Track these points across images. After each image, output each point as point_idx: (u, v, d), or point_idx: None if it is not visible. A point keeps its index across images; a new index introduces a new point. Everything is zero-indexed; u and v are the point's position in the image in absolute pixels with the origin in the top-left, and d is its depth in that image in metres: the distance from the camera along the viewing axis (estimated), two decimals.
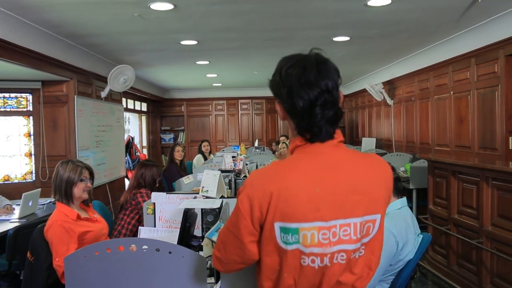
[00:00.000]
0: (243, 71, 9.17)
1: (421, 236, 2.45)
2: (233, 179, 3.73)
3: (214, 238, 1.96)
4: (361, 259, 1.47)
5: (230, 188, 3.56)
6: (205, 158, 8.27)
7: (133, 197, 4.09)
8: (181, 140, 12.81)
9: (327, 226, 1.39)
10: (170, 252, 1.77)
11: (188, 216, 2.48)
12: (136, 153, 9.29)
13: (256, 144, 10.74)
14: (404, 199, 2.58)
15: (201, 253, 2.45)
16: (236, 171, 4.17)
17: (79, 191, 2.94)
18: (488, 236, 4.09)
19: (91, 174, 3.06)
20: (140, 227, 3.16)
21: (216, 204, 2.56)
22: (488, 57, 5.45)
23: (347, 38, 5.93)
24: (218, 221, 2.16)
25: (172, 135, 12.99)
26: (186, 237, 2.56)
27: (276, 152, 9.55)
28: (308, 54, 1.48)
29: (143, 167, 4.30)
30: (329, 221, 1.39)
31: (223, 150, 9.53)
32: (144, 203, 3.20)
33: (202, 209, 2.56)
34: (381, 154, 8.47)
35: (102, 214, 4.26)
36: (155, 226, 3.17)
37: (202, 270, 1.79)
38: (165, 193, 3.14)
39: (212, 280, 2.10)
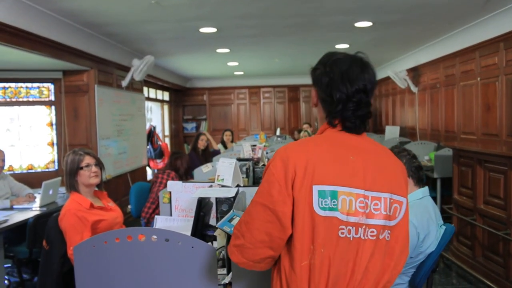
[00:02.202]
0: (264, 59, 9.07)
1: (443, 227, 2.35)
2: (251, 168, 3.67)
3: (226, 228, 1.90)
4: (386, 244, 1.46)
5: (247, 176, 3.49)
6: (226, 148, 8.23)
7: (166, 176, 4.63)
8: (203, 129, 12.80)
9: (363, 194, 1.41)
10: (179, 242, 1.73)
11: (202, 205, 2.43)
12: (158, 142, 9.30)
13: (278, 132, 10.66)
14: (426, 188, 2.47)
15: (215, 243, 2.40)
16: (255, 159, 4.11)
17: (85, 179, 2.90)
18: None
19: (96, 159, 2.99)
20: (156, 216, 3.13)
21: (231, 193, 2.50)
22: None
23: (369, 24, 5.77)
24: (232, 211, 2.10)
25: (194, 124, 12.98)
26: (201, 227, 2.51)
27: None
28: (354, 54, 1.56)
29: (178, 158, 4.86)
30: (365, 190, 1.41)
31: (244, 139, 9.49)
32: (160, 192, 3.17)
33: (216, 198, 2.50)
34: (405, 143, 8.29)
35: (137, 196, 4.87)
36: (171, 215, 3.15)
37: (212, 261, 1.74)
38: (181, 182, 3.10)
39: (223, 271, 2.05)
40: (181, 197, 3.10)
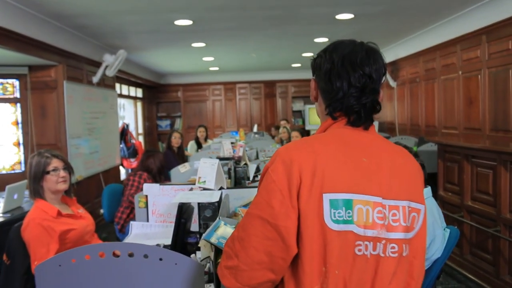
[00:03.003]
0: (241, 54, 8.83)
1: (448, 230, 2.16)
2: (232, 167, 3.44)
3: (213, 240, 1.68)
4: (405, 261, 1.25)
5: (229, 177, 3.27)
6: (200, 144, 7.96)
7: (138, 178, 4.29)
8: (178, 127, 12.50)
9: (381, 203, 1.20)
10: (161, 259, 1.49)
11: (183, 211, 2.20)
12: (131, 141, 8.98)
13: (255, 129, 10.43)
14: (429, 189, 2.29)
15: (198, 253, 2.16)
16: (236, 158, 3.89)
17: (51, 184, 2.57)
18: (507, 224, 3.83)
19: (65, 162, 2.66)
20: (131, 222, 2.89)
21: (214, 197, 2.27)
22: (501, 34, 5.13)
23: (351, 16, 5.60)
24: (218, 218, 1.88)
25: (168, 122, 12.67)
26: (182, 234, 2.28)
27: (276, 137, 9.28)
28: (361, 41, 1.37)
29: (150, 156, 4.50)
30: (382, 197, 1.20)
31: (221, 136, 9.24)
32: (136, 196, 2.92)
33: (199, 204, 2.27)
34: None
35: (110, 199, 4.50)
36: (148, 221, 2.90)
37: (199, 279, 1.51)
38: (158, 185, 2.85)
39: (211, 286, 1.82)
40: (159, 201, 2.85)
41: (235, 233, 1.24)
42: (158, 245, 2.60)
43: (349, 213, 1.16)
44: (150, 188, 2.84)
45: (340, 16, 5.60)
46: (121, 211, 4.26)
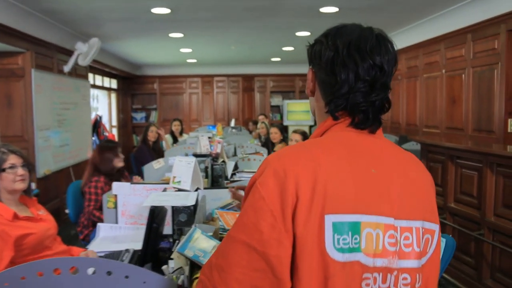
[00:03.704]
0: (220, 46, 8.58)
1: (443, 240, 1.99)
2: (209, 165, 3.23)
3: (189, 253, 1.47)
4: None
5: (206, 176, 3.06)
6: (175, 138, 7.70)
7: (94, 190, 3.66)
8: (153, 119, 12.19)
9: (393, 225, 0.99)
10: (126, 277, 1.27)
11: (155, 215, 1.99)
12: (104, 133, 8.68)
13: (232, 124, 10.23)
14: None
15: (171, 262, 1.95)
16: (213, 155, 3.68)
17: (8, 183, 2.29)
18: (491, 227, 3.72)
19: (24, 159, 2.39)
20: (98, 224, 2.66)
21: (190, 199, 2.06)
22: (487, 32, 5.04)
23: (335, 9, 5.42)
24: (193, 226, 1.67)
25: (144, 114, 12.34)
26: (154, 240, 2.07)
27: (253, 132, 9.09)
28: (369, 26, 1.16)
29: (98, 152, 3.87)
30: (395, 218, 1.00)
31: (197, 130, 9.01)
32: (104, 195, 2.68)
33: (173, 207, 2.06)
34: None
35: (75, 197, 3.91)
36: (117, 222, 2.67)
37: None
38: (129, 184, 2.63)
39: None
40: (129, 201, 2.63)
41: (213, 259, 1.00)
42: (127, 250, 2.38)
43: (356, 238, 0.94)
44: (120, 188, 2.61)
45: (324, 9, 5.42)
46: (83, 221, 3.69)
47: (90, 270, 1.28)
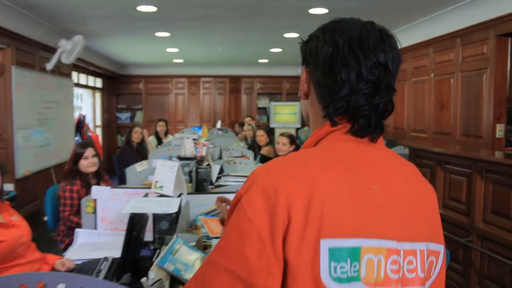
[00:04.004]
0: (207, 46, 8.47)
1: None
2: (194, 169, 3.12)
3: (169, 267, 1.37)
4: None
5: (190, 180, 2.95)
6: (160, 139, 7.55)
7: (69, 194, 3.43)
8: (138, 120, 12.03)
9: (396, 249, 0.89)
10: None
11: (135, 222, 1.88)
12: (88, 133, 8.51)
13: (218, 125, 10.11)
14: None
15: (151, 273, 1.84)
16: (198, 158, 3.57)
17: None
18: (480, 234, 3.67)
19: None
20: (76, 230, 2.53)
21: (172, 206, 1.96)
22: (476, 37, 5.00)
23: (325, 11, 5.35)
24: (175, 236, 1.57)
25: (129, 114, 12.17)
26: (133, 248, 1.96)
27: (239, 134, 9.00)
28: (370, 20, 1.03)
29: (80, 153, 3.57)
30: (398, 240, 0.89)
31: (182, 131, 8.88)
32: (83, 200, 2.56)
33: (154, 214, 1.95)
34: None
35: (54, 203, 3.61)
36: (96, 228, 2.55)
37: None
38: (109, 188, 2.51)
39: None
40: (109, 206, 2.51)
41: (192, 285, 0.89)
42: (106, 258, 2.27)
43: (355, 266, 0.84)
44: (99, 192, 2.49)
45: (313, 11, 5.35)
46: (63, 229, 3.42)
47: (61, 287, 1.17)
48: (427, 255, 0.93)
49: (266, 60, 10.69)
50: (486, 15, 4.76)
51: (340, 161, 0.91)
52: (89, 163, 3.49)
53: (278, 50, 8.80)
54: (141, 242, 2.17)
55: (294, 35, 6.94)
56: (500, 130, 4.84)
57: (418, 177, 1.02)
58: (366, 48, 0.94)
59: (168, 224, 1.94)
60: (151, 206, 1.94)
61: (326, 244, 0.82)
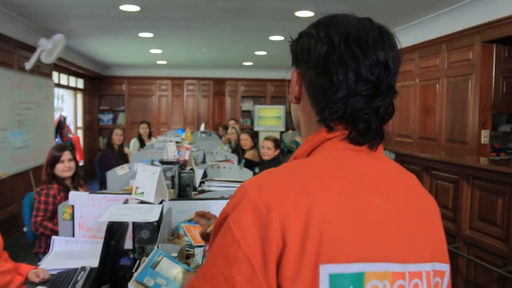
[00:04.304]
0: (191, 48, 8.37)
1: None
2: (176, 174, 3.02)
3: (149, 282, 1.28)
4: None
5: (173, 186, 2.84)
6: (143, 142, 7.42)
7: (45, 198, 3.27)
8: (121, 122, 11.85)
9: (402, 272, 0.80)
10: None
11: (113, 231, 1.77)
12: (68, 135, 8.34)
13: (202, 128, 9.99)
14: None
15: (130, 285, 1.75)
16: (181, 162, 3.47)
17: None
18: (466, 241, 3.64)
19: None
20: (53, 237, 2.42)
21: (153, 214, 1.86)
22: (462, 43, 5.00)
23: (311, 14, 5.30)
24: (155, 248, 1.48)
25: (111, 116, 11.99)
26: (112, 258, 1.85)
27: (223, 137, 8.90)
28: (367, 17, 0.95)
29: (57, 157, 3.41)
30: (403, 262, 0.81)
31: (166, 134, 8.75)
32: (60, 205, 2.45)
33: (134, 223, 1.85)
34: None
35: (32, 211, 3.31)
36: (73, 236, 2.44)
37: None
38: (87, 193, 2.40)
39: None
40: (88, 213, 2.40)
41: None
42: (83, 268, 2.16)
43: None
44: (77, 197, 2.38)
45: (299, 13, 5.29)
46: (44, 239, 3.20)
47: None
48: (433, 276, 0.85)
49: (250, 63, 10.63)
50: (472, 21, 4.76)
51: (339, 174, 0.82)
52: (65, 167, 3.36)
53: (263, 53, 8.73)
54: (121, 251, 2.06)
55: (280, 38, 6.88)
56: (485, 136, 4.84)
57: (420, 189, 0.93)
58: (365, 46, 0.85)
59: (149, 233, 1.84)
60: (131, 214, 1.84)
61: (326, 270, 0.73)
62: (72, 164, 3.42)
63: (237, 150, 6.71)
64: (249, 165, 5.18)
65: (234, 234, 0.74)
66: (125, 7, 5.14)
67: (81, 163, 9.69)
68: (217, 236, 0.78)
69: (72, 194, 2.40)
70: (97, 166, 6.20)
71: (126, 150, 6.59)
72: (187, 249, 2.09)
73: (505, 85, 4.82)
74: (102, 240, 1.84)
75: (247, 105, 12.39)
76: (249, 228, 0.73)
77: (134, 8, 5.16)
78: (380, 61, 0.85)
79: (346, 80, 0.84)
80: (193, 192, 2.88)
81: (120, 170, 3.71)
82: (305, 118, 0.95)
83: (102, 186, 5.81)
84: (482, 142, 4.81)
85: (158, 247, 1.51)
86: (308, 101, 0.92)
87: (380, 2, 4.87)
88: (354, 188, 0.81)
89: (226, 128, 9.64)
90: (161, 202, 2.08)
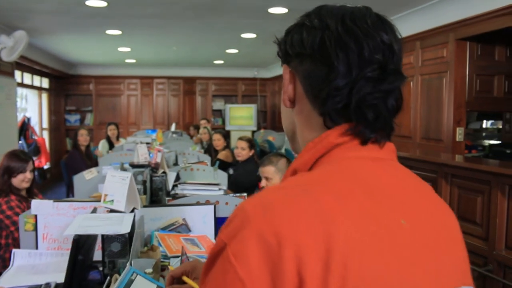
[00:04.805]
0: (161, 46, 8.15)
1: None
2: (148, 178, 2.86)
3: None
4: None
5: (144, 191, 2.68)
6: (111, 144, 7.18)
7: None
8: (88, 122, 11.52)
9: None
10: None
11: (79, 245, 1.61)
12: (33, 137, 8.02)
13: (173, 128, 9.78)
14: None
15: None
16: (153, 165, 3.30)
17: None
18: None
19: None
20: (14, 250, 2.22)
21: (124, 225, 1.70)
22: (436, 41, 4.98)
23: (285, 10, 5.18)
24: (128, 266, 1.32)
25: (78, 116, 11.64)
26: (79, 273, 1.69)
27: (194, 137, 8.73)
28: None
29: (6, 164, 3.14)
30: None
31: (135, 135, 8.51)
32: (21, 216, 2.26)
33: (103, 236, 1.69)
34: None
35: None
36: (37, 248, 2.25)
37: None
38: (51, 202, 2.22)
39: None
40: (52, 223, 2.22)
41: None
42: (47, 284, 1.98)
43: None
44: (40, 206, 2.20)
45: (273, 10, 5.16)
46: (7, 257, 2.83)
47: None
48: None
49: (221, 61, 10.47)
50: (446, 19, 4.74)
51: (358, 189, 0.69)
52: (26, 177, 3.13)
53: (235, 51, 8.59)
54: (89, 265, 1.90)
55: (252, 35, 6.74)
56: (460, 133, 4.83)
57: (439, 202, 0.81)
58: (365, 26, 0.75)
59: (120, 246, 1.68)
60: (100, 225, 1.68)
61: None
62: (32, 175, 3.20)
63: (210, 150, 6.55)
64: (223, 166, 5.04)
65: (237, 271, 0.59)
66: (91, 3, 4.91)
67: (47, 166, 9.37)
68: (211, 272, 0.64)
69: (35, 203, 2.21)
70: (64, 169, 5.95)
71: (97, 152, 6.34)
72: (162, 260, 1.94)
73: (479, 82, 4.83)
74: (69, 251, 1.67)
75: (218, 104, 12.24)
76: (256, 263, 0.59)
77: (101, 3, 4.93)
78: (384, 42, 0.74)
79: (348, 63, 0.73)
80: (167, 198, 2.72)
81: (88, 174, 3.52)
82: (303, 122, 0.81)
83: (69, 190, 5.57)
84: (457, 139, 4.80)
85: (131, 263, 1.36)
86: (306, 99, 0.79)
87: (353, 1, 4.79)
88: (376, 206, 0.68)
89: (197, 128, 9.47)
90: (132, 211, 1.91)
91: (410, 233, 0.69)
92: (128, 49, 8.50)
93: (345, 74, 0.73)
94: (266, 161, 3.08)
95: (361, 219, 0.64)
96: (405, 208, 0.72)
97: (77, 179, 3.57)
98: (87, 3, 4.91)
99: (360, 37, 0.73)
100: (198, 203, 2.42)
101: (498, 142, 6.37)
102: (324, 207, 0.63)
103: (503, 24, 4.19)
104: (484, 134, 6.99)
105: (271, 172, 3.02)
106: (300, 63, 0.79)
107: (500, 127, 6.77)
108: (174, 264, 1.98)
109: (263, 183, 3.05)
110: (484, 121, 7.17)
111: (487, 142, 6.65)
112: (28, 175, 3.15)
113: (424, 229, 0.72)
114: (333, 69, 0.73)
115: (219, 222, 2.42)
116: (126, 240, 1.68)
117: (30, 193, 3.25)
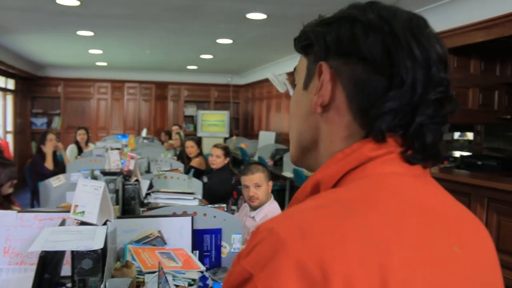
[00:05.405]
0: (133, 49, 7.95)
1: None
2: (120, 186, 2.70)
3: None
4: None
5: (117, 201, 2.52)
6: (80, 149, 6.91)
7: None
8: (56, 126, 11.16)
9: None
10: None
11: (46, 263, 1.46)
12: None
13: (144, 133, 9.56)
14: None
15: None
16: (125, 172, 3.13)
17: None
18: None
19: None
20: None
21: (97, 239, 1.54)
22: None
23: (263, 16, 5.08)
24: (103, 285, 1.18)
25: (45, 119, 11.26)
26: None
27: (165, 143, 8.55)
28: None
29: None
30: None
31: (105, 139, 8.26)
32: None
33: (73, 252, 1.53)
34: (283, 150, 7.87)
35: None
36: None
37: None
38: (15, 212, 2.04)
39: None
40: (15, 235, 2.04)
41: None
42: None
43: None
44: (2, 217, 2.01)
45: (251, 15, 5.06)
46: None
47: None
48: None
49: (195, 67, 10.32)
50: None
51: (407, 210, 0.59)
52: (12, 183, 2.94)
53: (209, 56, 8.46)
54: (56, 282, 1.74)
55: (228, 41, 6.62)
56: None
57: (477, 222, 0.71)
58: (429, 36, 0.64)
59: (92, 263, 1.53)
60: (70, 239, 1.52)
61: None
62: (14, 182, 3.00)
63: (182, 157, 6.39)
64: (198, 174, 4.90)
65: None
66: (63, 1, 4.68)
67: None
68: None
69: None
70: (28, 175, 5.67)
71: (65, 158, 6.04)
72: (137, 276, 1.79)
73: (454, 95, 4.84)
74: (33, 267, 1.51)
75: (190, 110, 12.07)
76: None
77: (74, 2, 4.71)
78: (442, 58, 0.65)
79: (415, 79, 0.62)
80: (142, 209, 2.57)
81: (55, 181, 3.32)
82: (335, 133, 0.68)
83: (34, 196, 5.30)
84: None
85: (105, 285, 1.22)
86: (348, 109, 0.66)
87: (332, 7, 4.74)
88: (429, 231, 0.58)
89: (168, 133, 9.28)
90: (105, 223, 1.76)
91: (463, 262, 0.60)
92: (99, 51, 8.26)
93: (410, 91, 0.62)
94: (253, 169, 3.03)
95: (416, 247, 0.55)
96: (455, 233, 0.62)
97: (43, 186, 3.37)
98: (58, 1, 4.68)
99: (429, 51, 0.64)
100: (174, 215, 2.28)
101: (469, 153, 6.43)
102: (375, 233, 0.53)
103: (479, 37, 4.22)
104: (454, 145, 7.07)
105: (262, 179, 2.99)
106: (346, 64, 0.66)
107: (471, 138, 6.85)
108: (149, 281, 1.83)
109: (251, 191, 2.96)
110: (455, 133, 7.26)
111: (458, 153, 6.73)
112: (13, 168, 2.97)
113: (473, 257, 0.63)
114: (397, 83, 0.62)
115: (196, 234, 2.29)
116: (99, 256, 1.53)
117: (9, 200, 3.02)
